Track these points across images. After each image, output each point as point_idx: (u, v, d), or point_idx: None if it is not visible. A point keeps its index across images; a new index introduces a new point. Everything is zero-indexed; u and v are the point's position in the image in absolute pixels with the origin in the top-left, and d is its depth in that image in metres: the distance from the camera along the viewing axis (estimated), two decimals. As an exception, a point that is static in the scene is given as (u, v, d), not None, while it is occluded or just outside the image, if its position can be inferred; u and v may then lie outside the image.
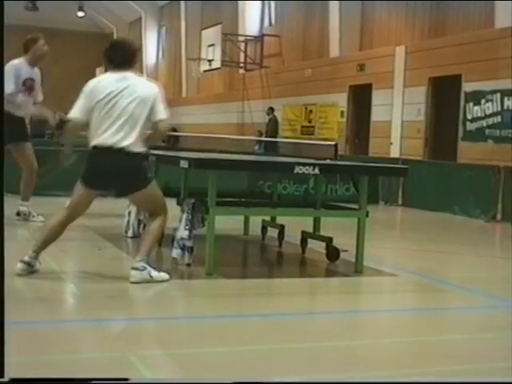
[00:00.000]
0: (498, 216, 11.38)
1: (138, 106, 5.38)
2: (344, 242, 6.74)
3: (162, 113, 5.49)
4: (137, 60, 5.65)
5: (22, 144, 8.07)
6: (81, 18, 36.81)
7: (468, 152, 13.70)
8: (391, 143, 15.95)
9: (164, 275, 5.52)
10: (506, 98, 12.79)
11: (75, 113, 5.46)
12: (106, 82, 5.49)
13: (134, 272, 5.43)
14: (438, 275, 6.40)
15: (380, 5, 17.86)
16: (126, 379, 3.08)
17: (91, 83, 5.53)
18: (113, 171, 5.41)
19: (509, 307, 5.52)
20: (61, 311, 4.70)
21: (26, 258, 5.40)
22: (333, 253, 6.85)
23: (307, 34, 21.19)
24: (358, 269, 6.34)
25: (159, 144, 9.78)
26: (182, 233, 6.15)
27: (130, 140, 5.35)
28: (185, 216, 6.17)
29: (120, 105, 5.35)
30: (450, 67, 14.28)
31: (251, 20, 24.63)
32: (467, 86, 13.84)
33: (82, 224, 8.47)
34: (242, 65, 24.25)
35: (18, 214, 8.30)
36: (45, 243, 5.59)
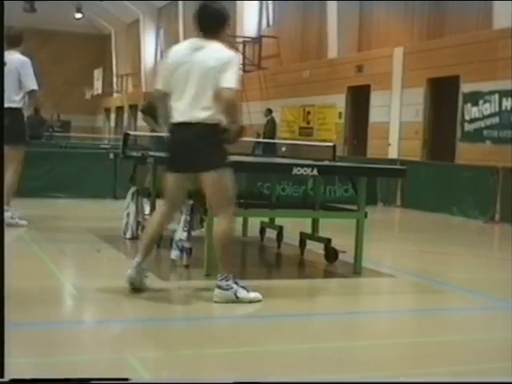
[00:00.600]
0: (497, 217, 11.39)
1: (210, 75, 4.83)
2: (342, 243, 6.74)
3: (229, 81, 4.82)
4: (225, 30, 5.17)
5: (21, 147, 8.05)
6: (78, 19, 36.78)
7: (466, 153, 13.71)
8: (389, 144, 15.96)
9: (255, 295, 4.92)
10: (504, 99, 12.80)
11: (157, 84, 5.14)
12: (181, 50, 5.09)
13: (217, 291, 4.90)
14: (437, 276, 6.40)
15: (378, 6, 17.87)
16: (126, 379, 3.08)
17: (170, 52, 5.13)
18: (185, 145, 4.93)
19: (508, 308, 5.52)
20: (59, 313, 4.70)
21: (135, 269, 5.14)
22: (331, 254, 6.85)
23: (305, 36, 21.20)
24: (356, 270, 6.34)
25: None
26: (181, 234, 6.15)
27: (207, 112, 4.84)
28: (183, 217, 6.16)
29: (194, 75, 4.87)
30: (448, 68, 14.29)
31: (249, 21, 24.64)
32: (465, 87, 13.84)
33: (80, 226, 8.50)
34: (240, 66, 24.26)
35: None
36: (149, 247, 5.32)
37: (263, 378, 3.50)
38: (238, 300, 4.83)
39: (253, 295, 4.90)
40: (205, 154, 4.89)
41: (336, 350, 4.11)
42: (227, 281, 4.87)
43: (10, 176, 7.69)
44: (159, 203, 5.47)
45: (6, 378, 2.72)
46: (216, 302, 4.83)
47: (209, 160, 4.90)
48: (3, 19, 2.64)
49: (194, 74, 4.86)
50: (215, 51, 4.92)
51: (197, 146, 4.88)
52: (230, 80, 4.80)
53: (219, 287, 4.88)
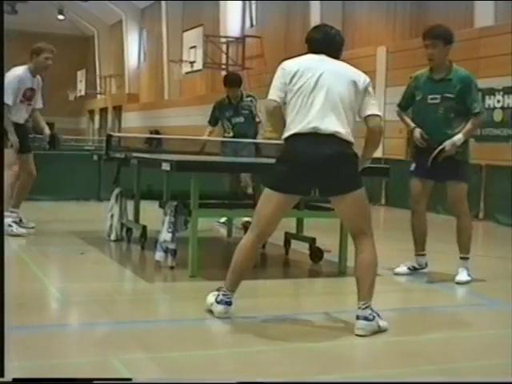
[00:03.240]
0: (481, 214, 11.44)
1: (347, 88, 4.47)
2: (327, 242, 6.75)
3: (375, 107, 4.58)
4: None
5: (24, 154, 8.02)
6: (61, 21, 36.65)
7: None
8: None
9: (385, 323, 4.41)
10: (486, 97, 12.85)
11: (272, 95, 4.52)
12: (305, 58, 4.63)
13: (363, 323, 4.29)
14: (421, 274, 6.41)
15: (361, 5, 17.90)
16: (129, 379, 3.06)
17: (286, 62, 4.61)
18: (321, 161, 4.35)
19: (494, 305, 5.55)
20: (43, 316, 4.67)
21: (226, 299, 4.57)
22: (316, 253, 6.85)
23: (289, 35, 21.21)
24: (341, 269, 6.35)
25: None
26: (165, 235, 6.13)
27: (342, 125, 4.42)
28: (167, 219, 6.15)
29: (324, 83, 4.43)
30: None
31: (232, 21, 24.62)
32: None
33: (64, 228, 8.46)
34: (223, 66, 24.22)
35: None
36: (240, 279, 4.62)
37: (250, 378, 3.49)
38: (379, 330, 4.34)
39: (386, 323, 4.41)
40: (349, 171, 4.46)
41: (322, 349, 4.10)
42: (371, 309, 4.33)
43: (23, 179, 7.94)
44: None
45: (8, 378, 2.70)
46: (360, 335, 4.26)
47: (353, 178, 4.48)
48: (3, 19, 2.63)
49: (327, 82, 4.48)
50: (347, 66, 4.63)
51: (340, 161, 4.42)
52: (376, 107, 4.64)
53: (365, 318, 4.29)
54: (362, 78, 4.56)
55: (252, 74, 22.16)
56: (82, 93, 38.12)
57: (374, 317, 4.31)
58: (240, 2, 24.46)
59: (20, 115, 8.00)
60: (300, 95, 4.44)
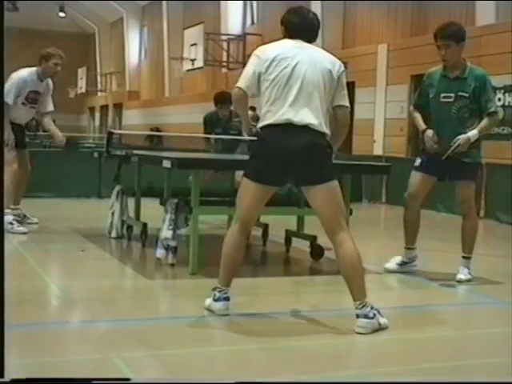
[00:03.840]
0: (481, 213, 11.43)
1: (323, 77, 4.43)
2: (328, 240, 6.73)
3: (345, 98, 4.55)
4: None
5: (21, 151, 8.02)
6: (62, 18, 36.66)
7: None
8: (374, 141, 15.98)
9: (385, 321, 4.37)
10: (487, 95, 12.84)
11: (241, 83, 4.48)
12: (282, 45, 4.61)
13: (363, 321, 4.25)
14: (422, 273, 6.41)
15: (362, 3, 17.89)
16: (128, 379, 3.06)
17: (261, 48, 4.66)
18: (294, 152, 4.32)
19: (494, 304, 5.55)
20: (44, 313, 4.67)
21: (222, 295, 4.57)
22: (317, 251, 6.85)
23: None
24: (342, 267, 6.33)
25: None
26: (166, 233, 6.13)
27: (317, 117, 4.37)
28: (168, 216, 6.15)
29: (300, 73, 4.40)
30: (431, 65, 14.22)
31: (233, 19, 24.62)
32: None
33: (65, 225, 8.45)
34: (224, 64, 24.22)
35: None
36: (231, 272, 4.62)
37: (250, 376, 3.49)
38: (380, 327, 4.29)
39: (386, 320, 4.38)
40: (323, 161, 4.43)
41: (323, 347, 4.10)
42: (368, 307, 4.28)
43: (19, 176, 7.90)
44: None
45: (8, 377, 2.70)
46: (361, 333, 4.22)
47: (326, 168, 4.44)
48: (3, 19, 2.63)
49: (302, 71, 4.44)
50: (324, 53, 4.60)
51: (313, 151, 4.39)
52: (346, 98, 4.58)
53: (365, 316, 4.25)
54: (337, 66, 4.51)
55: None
56: (83, 90, 38.15)
57: (374, 314, 4.28)
58: (241, 0, 24.45)
59: (20, 116, 8.02)
60: (275, 85, 4.41)
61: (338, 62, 4.56)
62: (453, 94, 5.99)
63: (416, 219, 6.29)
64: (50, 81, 8.24)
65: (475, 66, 6.18)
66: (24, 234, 7.60)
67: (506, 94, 12.40)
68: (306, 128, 4.35)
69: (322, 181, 4.40)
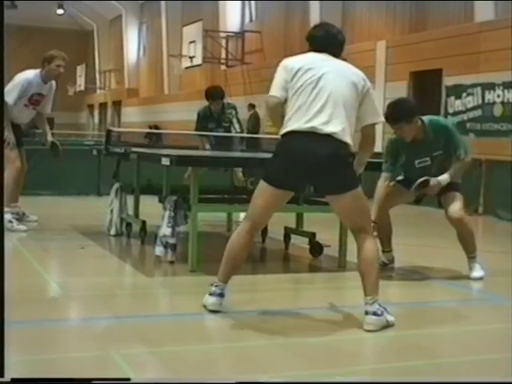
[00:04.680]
0: (480, 209, 11.45)
1: (349, 89, 4.46)
2: (327, 237, 6.75)
3: (376, 114, 4.60)
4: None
5: (19, 149, 8.04)
6: (60, 15, 36.66)
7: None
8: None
9: (392, 318, 4.40)
10: (486, 92, 12.85)
11: (274, 91, 4.50)
12: (308, 57, 4.59)
13: (372, 318, 4.28)
14: (421, 269, 6.42)
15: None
16: (128, 379, 3.07)
17: (287, 59, 4.59)
18: (316, 161, 4.32)
19: (494, 300, 5.56)
20: (43, 310, 4.67)
21: (217, 290, 4.54)
22: (316, 248, 6.86)
23: (288, 30, 21.19)
24: (341, 264, 6.35)
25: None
26: (165, 230, 6.13)
27: (340, 126, 4.36)
28: (167, 213, 6.15)
29: (326, 83, 4.41)
30: (430, 61, 14.31)
31: (232, 16, 24.61)
32: (448, 80, 13.88)
33: (64, 223, 8.46)
34: (223, 61, 24.23)
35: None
36: (233, 270, 4.61)
37: (250, 373, 3.50)
38: (388, 324, 4.32)
39: (393, 318, 4.40)
40: (345, 171, 4.45)
41: (322, 343, 4.11)
42: (377, 304, 4.31)
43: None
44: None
45: (8, 374, 2.71)
46: (370, 330, 4.24)
47: (349, 178, 4.48)
48: (3, 19, 2.63)
49: (327, 81, 4.46)
50: (349, 67, 4.66)
51: (335, 161, 4.38)
52: (379, 113, 4.65)
53: (374, 313, 4.28)
54: (363, 81, 4.54)
55: (251, 68, 22.16)
56: (82, 87, 38.15)
57: (382, 312, 4.30)
58: (239, -3, 24.44)
59: (20, 116, 8.05)
60: (301, 93, 4.41)
61: (364, 77, 4.59)
62: (428, 158, 5.94)
63: (387, 223, 6.24)
64: (53, 83, 8.27)
65: (429, 118, 6.00)
66: (24, 231, 7.60)
67: (506, 91, 12.40)
68: (329, 137, 4.34)
69: (346, 190, 4.42)
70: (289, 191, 4.54)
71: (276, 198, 4.50)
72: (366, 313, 4.30)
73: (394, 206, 6.22)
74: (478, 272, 6.02)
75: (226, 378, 3.47)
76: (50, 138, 8.40)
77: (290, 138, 4.42)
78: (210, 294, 4.56)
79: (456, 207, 5.90)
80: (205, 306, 4.58)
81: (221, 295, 4.55)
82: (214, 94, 9.25)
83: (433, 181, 5.84)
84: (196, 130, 9.50)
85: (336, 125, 4.36)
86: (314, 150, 4.32)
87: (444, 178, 5.86)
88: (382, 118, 4.68)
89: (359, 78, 4.55)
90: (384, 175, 6.11)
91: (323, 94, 4.38)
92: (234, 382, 3.21)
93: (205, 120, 9.30)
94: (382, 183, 6.09)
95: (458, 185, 6.10)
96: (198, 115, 9.45)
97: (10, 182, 7.65)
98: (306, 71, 4.45)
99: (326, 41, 4.63)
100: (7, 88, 7.64)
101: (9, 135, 7.63)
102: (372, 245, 4.46)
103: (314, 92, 4.39)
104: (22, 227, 7.69)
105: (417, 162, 5.99)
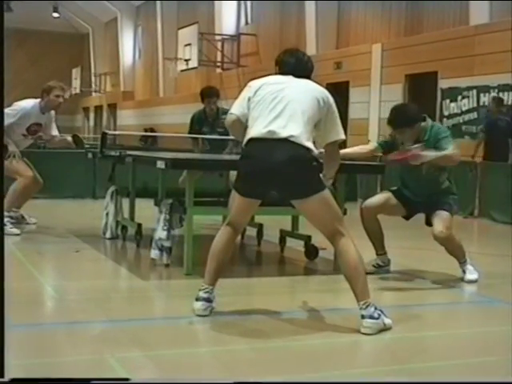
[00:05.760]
0: (476, 212, 11.46)
1: (309, 102, 4.50)
2: (322, 240, 6.70)
3: (339, 131, 4.65)
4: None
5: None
6: (56, 18, 36.60)
7: (445, 148, 13.74)
8: (369, 141, 15.99)
9: (389, 321, 4.39)
10: (481, 95, 12.88)
11: (234, 109, 4.67)
12: (273, 76, 4.73)
13: (368, 322, 4.26)
14: (417, 272, 6.43)
15: (356, 3, 17.91)
16: (127, 379, 3.06)
17: (253, 80, 4.73)
18: (276, 166, 4.34)
19: (490, 303, 5.56)
20: (38, 314, 4.66)
21: (203, 294, 4.57)
22: (311, 251, 6.86)
23: (284, 33, 21.21)
24: (336, 267, 6.31)
25: None
26: (160, 233, 6.13)
27: (298, 130, 4.39)
28: (163, 216, 6.15)
29: (286, 94, 4.50)
30: (426, 64, 14.34)
31: (227, 19, 24.61)
32: (443, 83, 13.91)
33: (59, 226, 8.44)
34: (219, 64, 24.23)
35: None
36: (217, 271, 4.65)
37: (244, 376, 3.49)
38: (385, 327, 4.31)
39: (390, 321, 4.39)
40: (307, 174, 4.44)
41: (317, 346, 4.11)
42: (372, 307, 4.31)
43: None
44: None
45: (6, 378, 2.70)
46: (367, 334, 4.24)
47: (313, 181, 4.46)
48: (3, 19, 2.63)
49: (287, 93, 4.55)
50: (313, 84, 4.67)
51: (296, 164, 4.38)
52: (341, 131, 4.69)
53: (371, 317, 4.27)
54: (326, 98, 4.60)
55: (247, 71, 22.17)
56: (77, 90, 38.09)
57: (379, 315, 4.30)
58: (235, 0, 24.45)
59: (20, 145, 8.05)
60: (261, 104, 4.52)
61: (328, 94, 4.65)
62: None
63: (377, 225, 6.26)
64: (52, 112, 8.29)
65: (433, 123, 6.06)
66: (17, 235, 7.57)
67: (501, 93, 12.42)
68: (287, 141, 4.37)
69: (310, 194, 4.42)
70: (256, 199, 4.63)
71: (246, 205, 4.61)
72: (363, 317, 4.30)
73: (381, 213, 6.26)
74: (471, 275, 6.03)
75: (222, 379, 3.47)
76: (69, 138, 8.40)
77: (250, 146, 4.50)
78: (197, 299, 4.57)
79: (440, 227, 5.84)
80: (193, 310, 4.58)
81: (207, 300, 4.55)
82: (209, 92, 9.24)
83: (415, 148, 5.65)
84: (189, 133, 9.48)
85: (294, 129, 4.39)
86: (273, 155, 4.35)
87: (430, 153, 5.66)
88: (344, 136, 4.69)
89: (322, 93, 4.62)
90: (371, 143, 6.20)
91: (282, 103, 4.48)
92: (233, 382, 3.21)
93: (199, 124, 9.28)
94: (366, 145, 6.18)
95: (449, 202, 6.06)
96: (193, 118, 9.42)
97: (19, 188, 7.73)
98: (268, 86, 4.59)
99: (296, 68, 4.72)
100: (6, 111, 7.64)
101: (13, 148, 7.64)
102: (350, 246, 4.44)
103: (274, 102, 4.49)
104: (15, 230, 7.65)
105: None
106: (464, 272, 6.05)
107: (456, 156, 5.88)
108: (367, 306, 4.30)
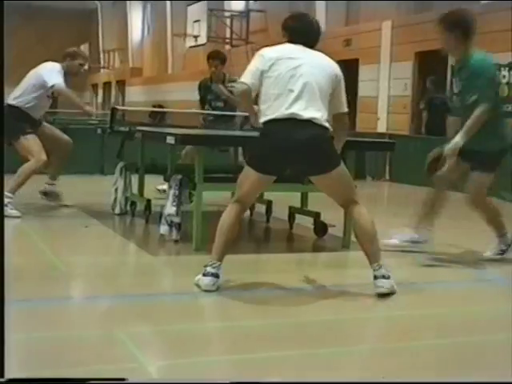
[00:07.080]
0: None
1: (324, 79, 4.64)
2: (331, 217, 6.74)
3: (344, 105, 4.82)
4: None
5: (40, 129, 7.93)
6: (64, -7, 36.42)
7: (455, 126, 13.67)
8: (378, 118, 15.94)
9: (395, 285, 4.60)
10: (492, 73, 12.78)
11: (246, 78, 4.64)
12: (285, 47, 4.76)
13: (382, 281, 4.50)
14: (425, 249, 6.41)
15: (366, -21, 17.76)
16: (123, 379, 3.07)
17: (265, 49, 4.76)
18: (300, 144, 4.49)
19: (494, 280, 5.56)
20: (47, 289, 4.68)
21: (211, 269, 4.57)
22: (320, 228, 6.86)
23: (293, 10, 21.04)
24: (345, 244, 6.35)
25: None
26: (170, 209, 6.13)
27: (319, 112, 4.56)
28: (172, 192, 6.15)
29: (304, 72, 4.58)
30: (436, 42, 14.13)
31: (237, -5, 24.46)
32: (454, 60, 13.80)
33: (68, 202, 8.45)
34: (227, 41, 24.12)
35: (45, 193, 8.15)
36: (225, 247, 4.66)
37: (252, 351, 3.51)
38: (394, 289, 4.54)
39: (395, 285, 4.58)
40: (327, 151, 4.64)
41: (324, 323, 4.12)
42: (384, 269, 4.53)
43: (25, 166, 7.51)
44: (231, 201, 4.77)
45: (4, 378, 2.71)
46: (384, 294, 4.47)
47: (332, 157, 4.66)
48: (3, 19, 2.62)
49: (306, 71, 4.63)
50: (326, 58, 4.81)
51: (317, 143, 4.55)
52: (346, 104, 4.85)
53: (383, 276, 4.49)
54: (337, 72, 4.75)
55: (256, 48, 22.03)
56: (86, 67, 37.96)
57: (389, 275, 4.52)
58: (244, -24, 24.28)
59: (40, 110, 7.93)
60: (279, 82, 4.57)
61: (337, 68, 4.79)
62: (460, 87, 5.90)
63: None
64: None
65: (478, 53, 5.98)
66: (17, 217, 7.11)
67: (511, 72, 12.34)
68: (309, 122, 4.53)
69: (332, 168, 4.62)
70: (273, 176, 4.73)
71: (260, 182, 4.71)
72: (375, 277, 4.53)
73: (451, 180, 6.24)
74: (492, 253, 5.98)
75: (228, 356, 3.49)
76: (88, 108, 8.30)
77: (271, 125, 4.58)
78: (204, 275, 4.58)
79: (468, 193, 5.87)
80: (198, 286, 4.58)
81: (215, 275, 4.56)
82: (213, 54, 9.29)
83: (447, 149, 5.70)
84: (200, 101, 9.50)
85: (314, 111, 4.55)
86: (295, 135, 4.50)
87: (456, 141, 5.65)
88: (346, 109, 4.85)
89: (336, 69, 4.76)
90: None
91: (300, 81, 4.56)
92: (232, 382, 3.20)
93: (204, 91, 9.29)
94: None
95: (492, 156, 5.87)
96: (200, 85, 9.42)
97: (27, 172, 7.41)
98: (284, 61, 4.62)
99: (303, 32, 4.80)
100: (48, 72, 7.59)
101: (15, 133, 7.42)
102: (364, 212, 4.70)
103: (292, 80, 4.56)
104: (15, 212, 7.16)
105: (454, 87, 6.12)
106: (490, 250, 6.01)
107: (486, 111, 5.61)
108: (380, 268, 4.52)
